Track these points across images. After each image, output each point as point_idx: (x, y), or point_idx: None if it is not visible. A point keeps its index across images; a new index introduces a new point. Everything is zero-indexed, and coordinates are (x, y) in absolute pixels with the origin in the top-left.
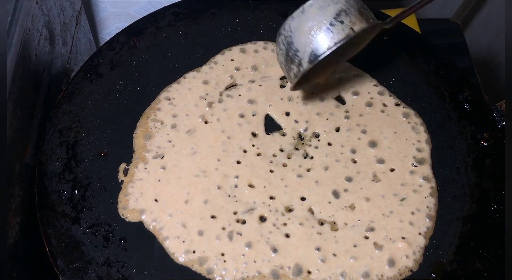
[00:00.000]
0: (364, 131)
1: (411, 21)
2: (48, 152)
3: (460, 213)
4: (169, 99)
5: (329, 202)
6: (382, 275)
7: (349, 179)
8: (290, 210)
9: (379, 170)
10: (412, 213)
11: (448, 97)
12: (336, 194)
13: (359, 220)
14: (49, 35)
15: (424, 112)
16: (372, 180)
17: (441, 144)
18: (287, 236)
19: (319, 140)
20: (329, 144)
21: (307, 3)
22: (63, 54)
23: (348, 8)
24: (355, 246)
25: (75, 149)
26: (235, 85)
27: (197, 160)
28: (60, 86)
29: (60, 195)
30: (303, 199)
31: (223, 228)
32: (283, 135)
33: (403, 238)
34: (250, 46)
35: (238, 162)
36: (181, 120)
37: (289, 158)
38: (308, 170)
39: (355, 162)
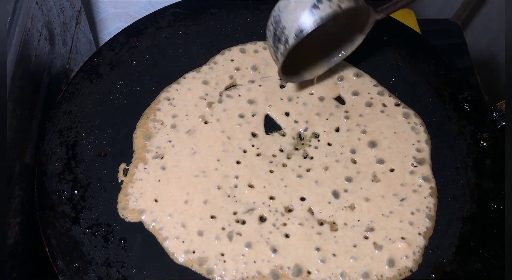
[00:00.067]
0: (364, 131)
1: (411, 22)
2: (48, 152)
3: (460, 213)
4: (169, 99)
5: (329, 202)
6: (381, 275)
7: (349, 179)
8: (290, 210)
9: (379, 170)
10: (412, 213)
11: (448, 97)
12: (336, 194)
13: (358, 220)
14: (49, 35)
15: (424, 112)
16: (372, 180)
17: (441, 144)
18: (287, 236)
19: (319, 140)
20: (329, 144)
21: None
22: (63, 54)
23: None
24: (354, 246)
25: (75, 149)
26: (235, 85)
27: (197, 160)
28: (60, 86)
29: (60, 195)
30: (303, 199)
31: (223, 228)
32: (283, 135)
33: (402, 238)
34: (250, 46)
35: (238, 162)
36: (181, 120)
37: (289, 158)
38: (308, 170)
39: (355, 162)
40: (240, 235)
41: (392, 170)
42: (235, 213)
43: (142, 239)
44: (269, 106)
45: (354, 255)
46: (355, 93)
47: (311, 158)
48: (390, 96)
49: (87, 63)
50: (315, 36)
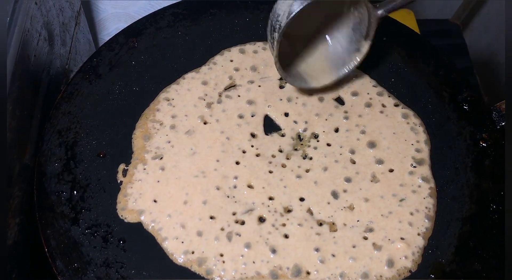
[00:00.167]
0: (363, 132)
1: (410, 22)
2: (47, 153)
3: (459, 214)
4: (168, 100)
5: (328, 203)
6: (381, 276)
7: (348, 180)
8: (289, 211)
9: (378, 170)
10: (411, 214)
11: (448, 97)
12: (335, 195)
13: (358, 220)
14: (48, 36)
15: (423, 113)
16: (371, 181)
17: (440, 145)
18: (286, 236)
19: (318, 141)
20: (328, 144)
21: None
22: (62, 54)
23: None
24: (354, 246)
25: (74, 150)
26: (234, 85)
27: (196, 161)
28: (59, 87)
29: (59, 196)
30: (302, 199)
31: (222, 229)
32: (282, 135)
33: (402, 238)
34: (249, 47)
35: (237, 163)
36: (180, 120)
37: (288, 158)
38: (307, 171)
39: (354, 162)
40: (239, 235)
41: (391, 171)
42: (234, 214)
43: (141, 240)
44: (268, 107)
45: (353, 255)
46: (355, 94)
47: (311, 158)
48: (389, 96)
49: (87, 64)
50: (322, 43)
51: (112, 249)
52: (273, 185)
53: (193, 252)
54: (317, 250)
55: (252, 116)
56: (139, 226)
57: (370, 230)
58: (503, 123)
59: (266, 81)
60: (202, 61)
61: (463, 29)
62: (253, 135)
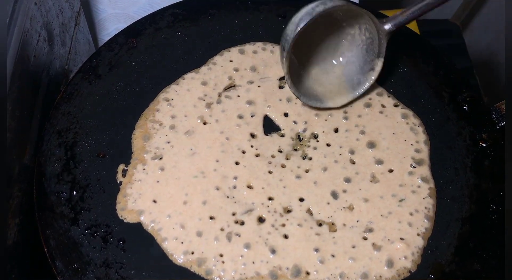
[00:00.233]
0: (362, 132)
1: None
2: (47, 153)
3: (459, 214)
4: (167, 100)
5: (328, 203)
6: (380, 276)
7: (347, 180)
8: (288, 211)
9: (378, 171)
10: (411, 214)
11: (447, 98)
12: (334, 195)
13: (357, 221)
14: (47, 36)
15: (423, 113)
16: (371, 181)
17: (439, 145)
18: (286, 237)
19: (317, 141)
20: (328, 145)
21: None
22: (62, 55)
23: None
24: (353, 247)
25: (74, 150)
26: (234, 86)
27: (195, 161)
28: (59, 87)
29: (58, 196)
30: (301, 200)
31: (222, 229)
32: (282, 136)
33: (401, 239)
34: (249, 47)
35: (237, 163)
36: (180, 121)
37: (287, 159)
38: (307, 171)
39: (353, 163)
40: (239, 236)
41: (391, 171)
42: (234, 214)
43: (141, 240)
44: (268, 107)
45: (353, 255)
46: None
47: (310, 158)
48: (389, 96)
49: (86, 64)
50: (337, 66)
51: (112, 249)
52: (272, 185)
53: (192, 253)
54: (316, 250)
55: (251, 117)
56: (138, 226)
57: (370, 230)
58: (502, 123)
59: (266, 82)
60: (202, 61)
61: (463, 29)
62: (252, 136)
